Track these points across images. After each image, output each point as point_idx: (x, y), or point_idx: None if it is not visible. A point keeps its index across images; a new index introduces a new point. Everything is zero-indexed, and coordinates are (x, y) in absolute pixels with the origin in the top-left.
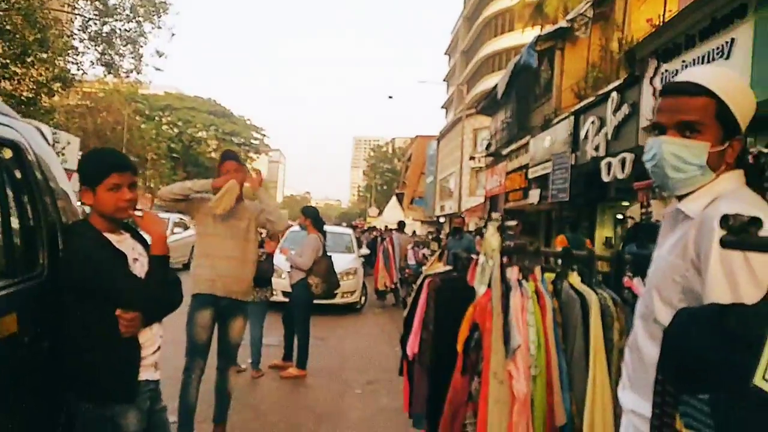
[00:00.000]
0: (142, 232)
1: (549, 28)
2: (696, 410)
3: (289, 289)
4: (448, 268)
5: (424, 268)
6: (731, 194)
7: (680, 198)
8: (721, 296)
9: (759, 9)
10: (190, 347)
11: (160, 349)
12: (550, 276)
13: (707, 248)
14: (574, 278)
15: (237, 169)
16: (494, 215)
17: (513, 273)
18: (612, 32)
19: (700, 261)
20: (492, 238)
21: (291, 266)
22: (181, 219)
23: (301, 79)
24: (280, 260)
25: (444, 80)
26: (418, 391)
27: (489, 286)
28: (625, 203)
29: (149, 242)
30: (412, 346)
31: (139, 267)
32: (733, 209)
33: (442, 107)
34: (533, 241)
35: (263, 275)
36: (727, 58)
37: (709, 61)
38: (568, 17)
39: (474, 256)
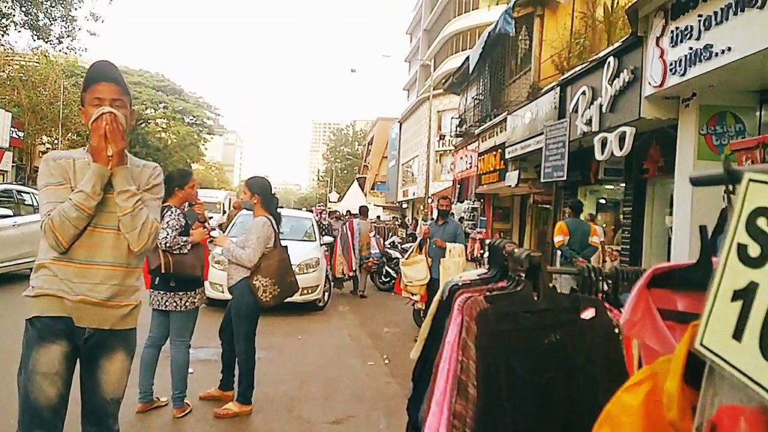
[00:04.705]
0: None
1: None
2: None
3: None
4: (483, 271)
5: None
6: None
7: None
8: None
9: None
10: (27, 413)
11: None
12: None
13: None
14: None
15: (118, 100)
16: None
17: None
18: None
19: None
20: None
21: (230, 261)
22: (6, 193)
23: (256, 63)
24: (217, 252)
25: (405, 60)
26: None
27: None
28: (609, 186)
29: None
30: (435, 424)
31: None
32: None
33: (404, 89)
34: (506, 230)
35: (189, 273)
36: (762, 7)
37: (735, 13)
38: None
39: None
